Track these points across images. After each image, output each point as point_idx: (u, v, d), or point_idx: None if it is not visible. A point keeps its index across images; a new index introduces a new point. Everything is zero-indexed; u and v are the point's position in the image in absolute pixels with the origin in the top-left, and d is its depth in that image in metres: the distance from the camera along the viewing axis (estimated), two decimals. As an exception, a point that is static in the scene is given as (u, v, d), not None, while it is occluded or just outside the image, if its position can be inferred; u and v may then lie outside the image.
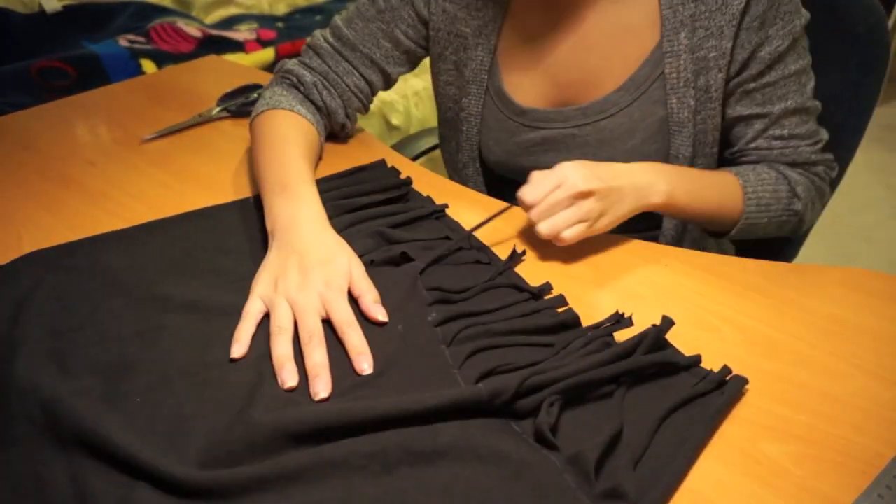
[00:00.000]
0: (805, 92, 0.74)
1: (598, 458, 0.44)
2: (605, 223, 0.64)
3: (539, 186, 0.63)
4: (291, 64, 0.85)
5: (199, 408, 0.49)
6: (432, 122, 1.71)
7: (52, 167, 0.84)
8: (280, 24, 2.02)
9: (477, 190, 0.84)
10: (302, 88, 0.83)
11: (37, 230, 0.71)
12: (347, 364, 0.53)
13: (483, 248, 0.67)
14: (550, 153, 0.81)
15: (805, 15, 0.72)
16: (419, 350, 0.54)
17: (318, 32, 0.86)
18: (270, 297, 0.58)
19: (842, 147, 0.84)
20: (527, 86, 0.81)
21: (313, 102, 0.83)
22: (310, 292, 0.57)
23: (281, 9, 2.22)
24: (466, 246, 0.67)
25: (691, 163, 0.77)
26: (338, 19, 0.85)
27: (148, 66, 1.57)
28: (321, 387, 0.50)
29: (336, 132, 0.88)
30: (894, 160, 2.36)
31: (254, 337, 0.55)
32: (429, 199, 0.75)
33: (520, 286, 0.61)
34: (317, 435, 0.46)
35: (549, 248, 0.66)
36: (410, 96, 1.71)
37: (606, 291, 0.62)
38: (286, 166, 0.71)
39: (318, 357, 0.53)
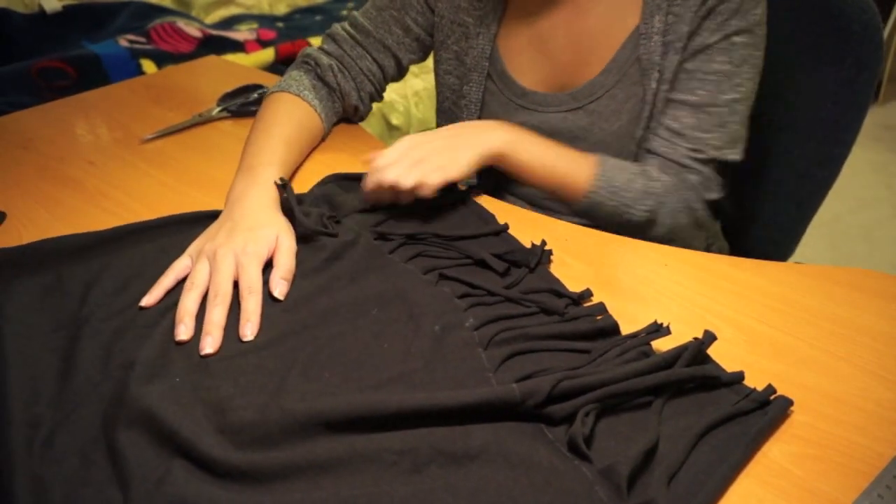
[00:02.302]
0: (717, 97, 0.73)
1: (630, 472, 0.43)
2: (420, 173, 0.67)
3: (384, 157, 0.69)
4: (311, 49, 0.90)
5: (236, 390, 0.51)
6: (432, 122, 1.71)
7: (51, 167, 0.84)
8: (280, 24, 2.02)
9: (469, 180, 0.85)
10: (318, 71, 0.87)
11: (36, 230, 0.71)
12: (385, 360, 0.53)
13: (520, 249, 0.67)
14: (547, 135, 0.80)
15: (754, 21, 0.72)
16: (455, 352, 0.54)
17: (336, 24, 0.92)
18: (195, 257, 0.62)
19: (837, 144, 0.84)
20: (528, 69, 0.83)
21: (327, 84, 0.87)
22: (227, 254, 0.61)
23: (281, 9, 2.22)
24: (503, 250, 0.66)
25: (640, 142, 0.78)
26: (355, 11, 0.90)
27: (148, 66, 1.57)
28: (209, 343, 0.54)
29: (350, 115, 0.92)
30: (894, 160, 2.36)
31: (284, 322, 0.57)
32: (491, 216, 0.72)
33: (559, 291, 0.60)
34: (349, 425, 0.47)
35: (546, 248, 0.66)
36: (410, 96, 1.71)
37: (606, 291, 0.62)
38: (262, 149, 0.76)
39: (216, 316, 0.56)
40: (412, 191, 0.67)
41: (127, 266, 0.64)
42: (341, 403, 0.48)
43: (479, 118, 0.87)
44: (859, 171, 2.26)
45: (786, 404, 0.49)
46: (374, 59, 0.89)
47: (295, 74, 0.87)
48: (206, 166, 0.83)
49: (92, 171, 0.82)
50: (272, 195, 0.70)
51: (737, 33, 0.72)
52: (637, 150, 0.80)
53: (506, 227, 0.69)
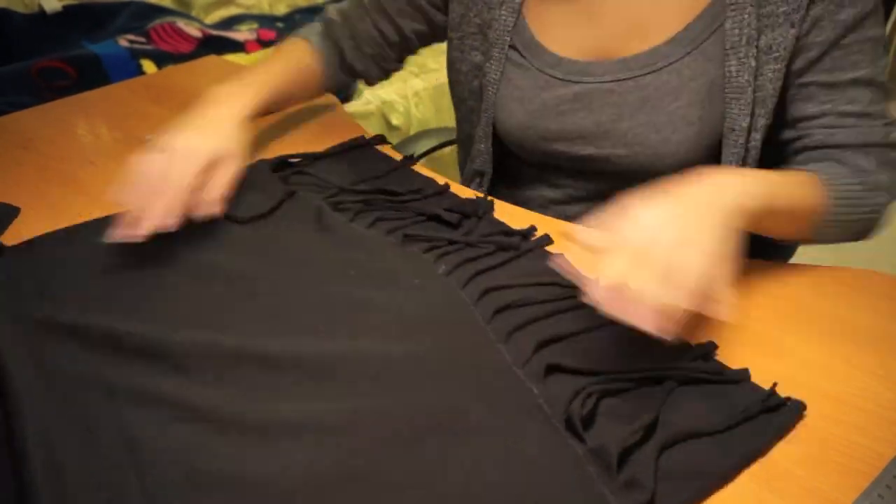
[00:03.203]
0: (879, 65, 0.67)
1: (621, 451, 0.44)
2: (706, 274, 0.48)
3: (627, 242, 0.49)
4: (332, 3, 0.92)
5: (238, 346, 0.54)
6: (432, 122, 1.71)
7: (51, 167, 0.84)
8: (280, 25, 2.02)
9: (483, 169, 0.83)
10: (326, 27, 0.90)
11: (37, 230, 0.71)
12: (377, 313, 0.57)
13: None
14: (581, 112, 0.74)
15: None
16: (439, 298, 0.58)
17: None
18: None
19: None
20: (562, 36, 0.75)
21: (330, 37, 0.90)
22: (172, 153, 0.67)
23: (281, 9, 2.22)
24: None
25: (747, 136, 0.69)
26: None
27: (148, 66, 1.57)
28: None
29: (350, 74, 0.94)
30: (894, 160, 2.36)
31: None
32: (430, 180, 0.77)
33: (508, 231, 0.66)
34: (353, 387, 0.50)
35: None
36: (410, 96, 1.71)
37: (606, 291, 0.62)
38: (246, 79, 0.80)
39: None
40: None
41: (82, 261, 0.65)
42: (349, 363, 0.52)
43: (497, 97, 0.78)
44: (859, 171, 2.25)
45: (798, 409, 0.49)
46: (373, 22, 0.87)
47: (313, 24, 0.92)
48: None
49: (92, 171, 0.82)
50: (238, 116, 0.75)
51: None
52: (711, 142, 0.70)
53: (447, 186, 0.75)
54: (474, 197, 0.72)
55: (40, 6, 1.65)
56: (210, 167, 0.68)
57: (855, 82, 0.66)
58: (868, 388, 0.51)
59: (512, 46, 0.77)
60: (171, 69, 1.19)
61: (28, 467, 0.44)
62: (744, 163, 0.71)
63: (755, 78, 0.67)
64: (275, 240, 0.68)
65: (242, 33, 1.84)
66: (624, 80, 0.71)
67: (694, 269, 0.47)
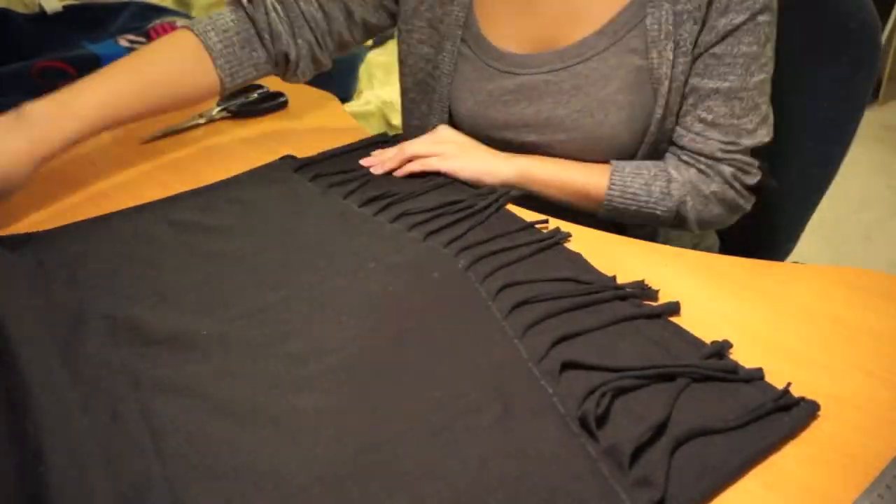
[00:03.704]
0: (747, 81, 0.72)
1: (634, 450, 0.44)
2: (457, 164, 0.76)
3: (420, 139, 0.78)
4: None
5: (264, 339, 0.55)
6: (432, 122, 1.71)
7: (52, 167, 0.83)
8: (280, 25, 2.02)
9: None
10: (250, 7, 0.79)
11: (37, 230, 0.71)
12: (397, 307, 0.58)
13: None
14: (523, 102, 0.80)
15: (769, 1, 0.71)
16: (457, 291, 0.60)
17: None
18: None
19: (833, 144, 0.84)
20: (506, 30, 0.80)
21: (254, 22, 0.79)
22: None
23: (281, 9, 2.22)
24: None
25: (662, 122, 0.76)
26: None
27: (148, 66, 1.57)
28: None
29: (281, 66, 0.83)
30: (894, 160, 2.36)
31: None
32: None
33: (522, 225, 0.68)
34: (375, 376, 0.51)
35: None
36: (410, 96, 1.71)
37: (606, 291, 0.62)
38: (81, 85, 0.73)
39: None
40: (420, 159, 0.76)
41: (109, 250, 0.66)
42: (365, 356, 0.53)
43: (452, 87, 0.84)
44: (859, 171, 2.26)
45: (812, 409, 0.49)
46: (320, 5, 0.81)
47: (222, 10, 0.79)
48: (206, 166, 0.83)
49: (92, 171, 0.82)
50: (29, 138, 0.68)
51: (761, 11, 0.70)
52: (645, 125, 0.77)
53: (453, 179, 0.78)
54: (488, 190, 0.75)
55: (40, 6, 1.65)
56: None
57: (716, 92, 0.73)
58: (868, 388, 0.51)
59: (463, 40, 0.82)
60: (171, 69, 1.19)
61: (50, 453, 0.44)
62: (659, 147, 0.79)
63: (672, 69, 0.73)
64: (299, 232, 0.69)
65: (242, 33, 1.84)
66: (558, 69, 0.77)
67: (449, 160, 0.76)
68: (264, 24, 0.79)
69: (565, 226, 0.70)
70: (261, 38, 0.80)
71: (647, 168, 0.76)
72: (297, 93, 1.03)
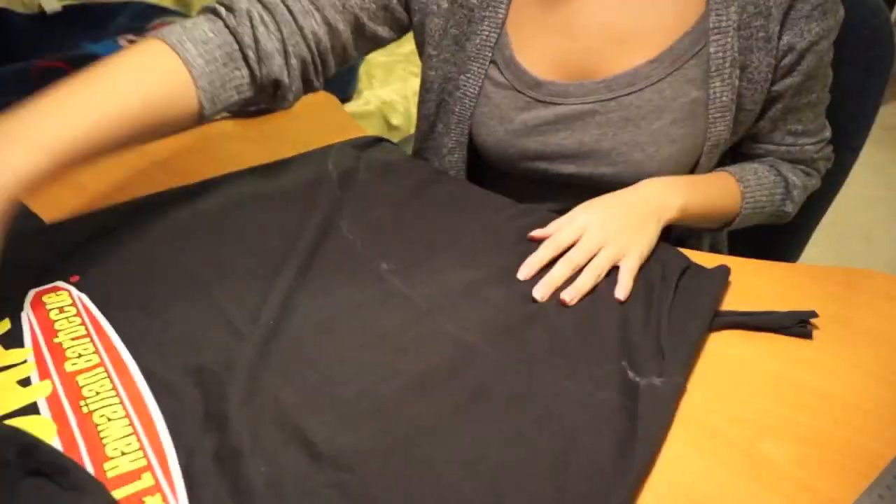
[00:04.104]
0: (827, 84, 0.75)
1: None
2: (636, 259, 0.62)
3: (561, 236, 0.63)
4: None
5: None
6: (432, 122, 1.71)
7: (52, 167, 0.84)
8: (280, 25, 2.02)
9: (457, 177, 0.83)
10: (230, 18, 0.64)
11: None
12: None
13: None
14: (563, 133, 0.73)
15: (840, 11, 0.70)
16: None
17: None
18: None
19: (845, 149, 0.84)
20: (541, 56, 0.73)
21: (237, 36, 0.64)
22: None
23: (281, 9, 2.22)
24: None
25: (710, 152, 0.73)
26: None
27: (148, 66, 1.57)
28: None
29: (267, 94, 0.69)
30: (894, 160, 2.36)
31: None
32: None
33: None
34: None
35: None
36: (410, 96, 1.71)
37: (606, 291, 0.62)
38: (44, 114, 0.53)
39: None
40: (604, 261, 0.62)
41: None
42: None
43: (476, 113, 0.77)
44: (859, 171, 2.25)
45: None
46: (324, 17, 0.69)
47: (195, 18, 0.64)
48: (207, 166, 0.83)
49: (92, 171, 0.82)
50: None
51: (831, 29, 0.69)
52: (693, 158, 0.74)
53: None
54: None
55: (40, 6, 1.65)
56: None
57: (808, 104, 0.74)
58: (868, 388, 0.51)
59: (493, 62, 0.75)
60: (171, 69, 1.19)
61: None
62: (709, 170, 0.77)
63: (739, 97, 0.71)
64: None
65: (242, 33, 1.84)
66: (606, 100, 0.71)
67: (625, 243, 0.63)
68: (250, 40, 0.64)
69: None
70: (245, 57, 0.64)
71: (766, 175, 0.78)
72: (297, 93, 1.03)
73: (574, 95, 0.72)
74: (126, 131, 0.57)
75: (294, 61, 0.68)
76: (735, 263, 0.65)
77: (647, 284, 0.60)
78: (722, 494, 0.44)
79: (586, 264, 0.61)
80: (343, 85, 1.66)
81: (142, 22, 1.73)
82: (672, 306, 0.57)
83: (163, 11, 1.81)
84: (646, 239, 0.64)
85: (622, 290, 0.59)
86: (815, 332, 0.56)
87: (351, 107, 1.62)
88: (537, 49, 0.73)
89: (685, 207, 0.69)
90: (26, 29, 1.63)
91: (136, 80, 0.58)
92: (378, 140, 0.86)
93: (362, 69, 1.71)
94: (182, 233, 0.66)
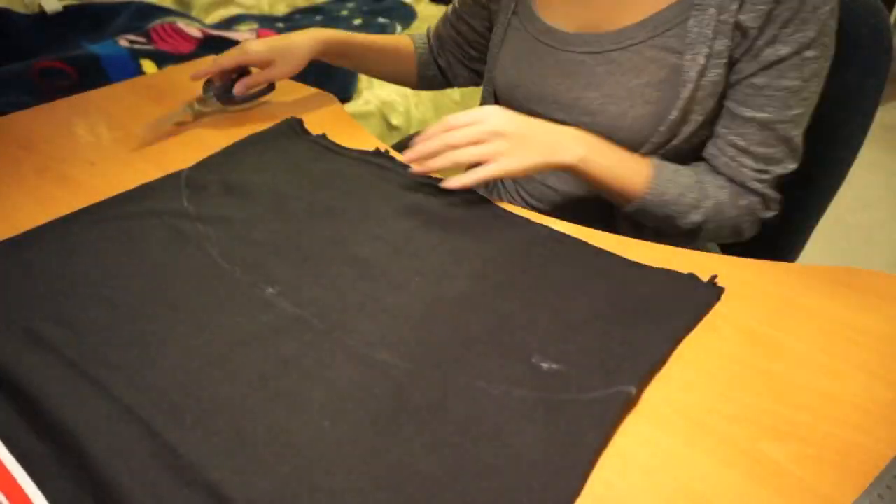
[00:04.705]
0: (784, 114, 0.71)
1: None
2: (508, 165, 0.68)
3: (457, 118, 0.70)
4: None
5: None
6: (432, 121, 1.70)
7: (51, 167, 0.84)
8: (280, 25, 2.02)
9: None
10: (426, 33, 1.08)
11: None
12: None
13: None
14: (558, 78, 0.80)
15: (825, 29, 0.68)
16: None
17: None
18: None
19: (842, 149, 0.83)
20: (557, 8, 0.82)
21: (426, 37, 1.07)
22: None
23: (281, 9, 2.22)
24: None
25: (677, 126, 0.75)
26: None
27: (148, 66, 1.57)
28: None
29: (436, 69, 1.07)
30: (894, 160, 2.36)
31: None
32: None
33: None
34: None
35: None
36: (410, 96, 1.71)
37: (606, 291, 0.62)
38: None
39: None
40: (474, 172, 0.69)
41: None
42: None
43: (498, 58, 0.88)
44: (859, 171, 2.26)
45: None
46: (452, 26, 1.01)
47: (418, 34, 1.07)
48: (206, 166, 0.83)
49: (92, 171, 0.82)
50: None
51: (809, 46, 0.68)
52: (664, 125, 0.75)
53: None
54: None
55: (40, 6, 1.65)
56: (263, 64, 0.91)
57: (752, 121, 0.72)
58: (868, 388, 0.51)
59: (515, 13, 0.86)
60: (171, 69, 1.19)
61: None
62: (666, 146, 0.77)
63: (700, 76, 0.72)
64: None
65: (242, 33, 1.84)
66: (595, 52, 0.78)
67: (502, 161, 0.68)
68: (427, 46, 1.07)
69: (563, 225, 0.70)
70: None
71: (685, 176, 0.76)
72: (296, 92, 1.03)
73: (573, 45, 0.79)
74: (379, 54, 1.02)
75: (445, 55, 1.05)
76: (735, 263, 0.65)
77: (612, 294, 0.59)
78: (722, 494, 0.44)
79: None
80: (343, 85, 1.67)
81: (142, 22, 1.73)
82: (642, 317, 0.56)
83: (163, 11, 1.81)
84: (525, 160, 0.69)
85: (454, 182, 0.69)
86: (815, 333, 0.56)
87: (351, 107, 1.62)
88: (555, 3, 0.82)
89: (584, 160, 0.71)
90: (26, 29, 1.63)
91: (392, 40, 1.04)
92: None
93: (362, 69, 1.71)
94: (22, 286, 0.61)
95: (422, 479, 0.43)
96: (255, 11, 2.16)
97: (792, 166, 0.75)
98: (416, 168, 0.71)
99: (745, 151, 0.74)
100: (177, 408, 0.48)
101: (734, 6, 0.69)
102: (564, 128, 0.72)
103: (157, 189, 0.75)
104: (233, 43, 1.77)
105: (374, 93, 1.67)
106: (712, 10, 0.70)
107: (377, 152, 0.82)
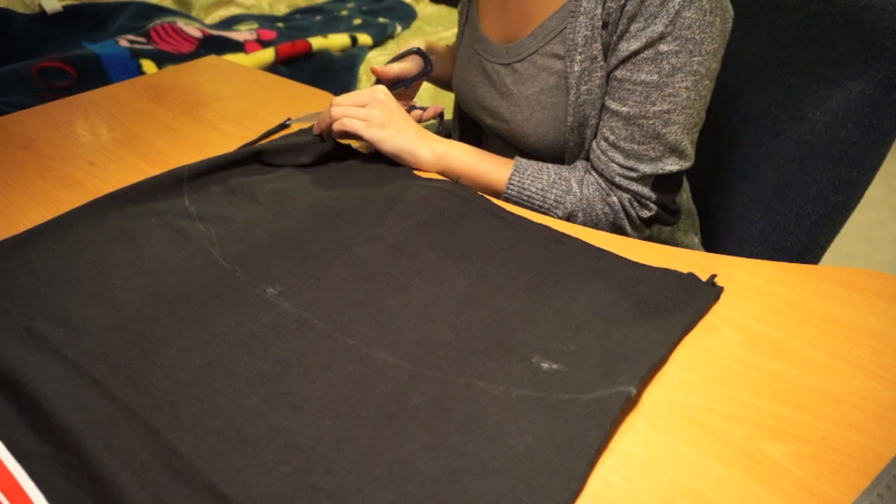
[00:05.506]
0: (646, 109, 0.71)
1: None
2: (381, 134, 0.77)
3: (347, 97, 0.80)
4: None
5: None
6: (432, 121, 1.71)
7: (51, 167, 0.84)
8: (280, 25, 2.02)
9: (450, 132, 0.98)
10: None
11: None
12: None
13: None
14: (484, 87, 0.87)
15: (685, 24, 0.67)
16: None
17: None
18: None
19: (855, 168, 0.77)
20: (490, 20, 0.87)
21: None
22: None
23: (281, 9, 2.23)
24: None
25: (575, 130, 0.78)
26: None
27: (148, 66, 1.57)
28: None
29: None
30: (894, 160, 2.36)
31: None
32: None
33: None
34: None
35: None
36: (410, 96, 1.70)
37: (606, 291, 0.62)
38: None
39: None
40: (346, 119, 0.78)
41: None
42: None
43: (455, 61, 0.95)
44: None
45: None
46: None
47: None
48: (207, 166, 0.83)
49: (92, 171, 0.82)
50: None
51: (662, 39, 0.68)
52: (566, 129, 0.79)
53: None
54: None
55: (40, 6, 1.65)
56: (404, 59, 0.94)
57: (617, 114, 0.73)
58: (868, 388, 0.51)
59: (467, 20, 0.91)
60: (171, 69, 1.19)
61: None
62: (586, 148, 0.80)
63: (580, 81, 0.75)
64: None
65: (242, 33, 1.84)
66: (503, 63, 0.83)
67: (375, 129, 0.78)
68: None
69: (566, 226, 0.70)
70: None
71: (549, 173, 0.78)
72: (296, 92, 1.03)
73: (494, 55, 0.85)
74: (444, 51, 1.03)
75: None
76: (735, 263, 0.65)
77: (611, 292, 0.59)
78: (722, 494, 0.44)
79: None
80: (343, 85, 1.67)
81: (142, 22, 1.73)
82: (642, 317, 0.56)
83: (163, 11, 1.81)
84: (394, 139, 0.78)
85: (336, 108, 0.78)
86: (815, 332, 0.56)
87: (351, 107, 1.62)
88: (490, 16, 0.87)
89: (446, 155, 0.79)
90: (26, 29, 1.63)
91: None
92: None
93: (362, 69, 1.71)
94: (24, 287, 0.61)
95: (421, 479, 0.43)
96: (255, 11, 2.16)
97: (672, 167, 0.74)
98: (324, 135, 0.83)
99: (613, 146, 0.75)
100: (177, 408, 0.48)
101: (599, 9, 0.71)
102: (428, 135, 0.81)
103: (159, 186, 0.75)
104: (232, 43, 1.77)
105: (374, 93, 1.67)
106: (582, 18, 0.73)
107: (377, 152, 0.82)
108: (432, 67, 0.94)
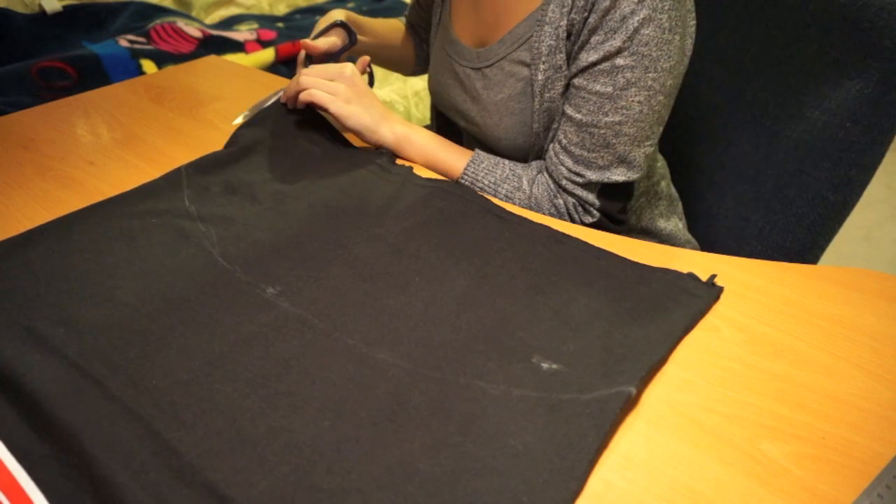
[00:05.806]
0: (598, 118, 0.72)
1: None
2: (347, 110, 0.79)
3: (317, 68, 0.82)
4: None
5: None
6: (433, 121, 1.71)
7: (51, 167, 0.84)
8: (280, 25, 2.02)
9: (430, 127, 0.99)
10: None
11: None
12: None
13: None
14: (456, 90, 0.87)
15: (644, 41, 0.67)
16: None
17: None
18: None
19: (853, 168, 0.77)
20: (462, 23, 0.87)
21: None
22: None
23: (281, 9, 2.22)
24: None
25: (541, 135, 0.79)
26: None
27: (148, 66, 1.57)
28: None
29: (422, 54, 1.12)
30: (894, 160, 2.36)
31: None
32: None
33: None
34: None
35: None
36: (410, 96, 1.71)
37: (606, 291, 0.62)
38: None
39: None
40: (313, 91, 0.80)
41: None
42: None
43: (430, 60, 0.95)
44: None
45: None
46: (417, 13, 1.07)
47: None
48: (206, 166, 0.83)
49: (92, 171, 0.82)
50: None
51: (619, 54, 0.69)
52: (532, 134, 0.80)
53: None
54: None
55: (40, 6, 1.65)
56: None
57: (570, 119, 0.74)
58: (868, 388, 0.51)
59: (440, 21, 0.92)
60: (171, 69, 1.19)
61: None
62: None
63: (544, 89, 0.76)
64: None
65: (242, 33, 1.84)
66: (474, 68, 0.84)
67: (341, 105, 0.79)
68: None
69: (566, 226, 0.70)
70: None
71: (504, 169, 0.79)
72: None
73: (466, 59, 0.85)
74: (382, 37, 1.04)
75: (418, 42, 1.12)
76: (735, 263, 0.65)
77: (611, 290, 0.59)
78: (722, 494, 0.44)
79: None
80: (343, 85, 1.66)
81: (142, 22, 1.73)
82: (642, 317, 0.56)
83: (163, 11, 1.81)
84: (357, 116, 0.79)
85: (305, 78, 0.80)
86: (815, 332, 0.56)
87: (351, 107, 1.62)
88: (462, 19, 0.87)
89: (407, 137, 0.81)
90: (26, 29, 1.63)
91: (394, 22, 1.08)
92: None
93: (362, 69, 1.71)
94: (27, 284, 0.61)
95: (422, 479, 0.43)
96: (255, 11, 2.16)
97: (619, 177, 0.74)
98: (290, 104, 0.86)
99: (565, 150, 0.76)
100: (177, 408, 0.48)
101: (564, 21, 0.72)
102: (393, 115, 0.82)
103: (159, 188, 0.75)
104: (232, 43, 1.77)
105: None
106: (548, 28, 0.74)
107: (377, 152, 0.82)
108: (356, 38, 0.94)
